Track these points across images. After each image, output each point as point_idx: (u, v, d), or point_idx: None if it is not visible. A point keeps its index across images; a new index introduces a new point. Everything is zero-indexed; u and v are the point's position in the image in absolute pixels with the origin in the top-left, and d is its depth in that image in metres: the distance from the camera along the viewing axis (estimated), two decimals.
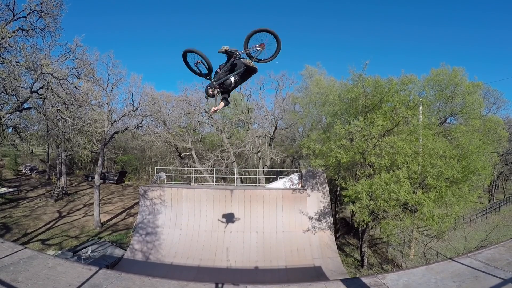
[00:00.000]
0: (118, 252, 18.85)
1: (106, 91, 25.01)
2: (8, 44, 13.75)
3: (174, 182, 22.63)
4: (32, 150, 58.52)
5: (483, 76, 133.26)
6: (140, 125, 28.68)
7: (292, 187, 19.77)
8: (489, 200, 39.77)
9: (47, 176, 41.83)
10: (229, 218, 18.45)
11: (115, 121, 27.63)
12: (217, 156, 29.06)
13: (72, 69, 17.19)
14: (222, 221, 18.25)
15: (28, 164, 47.74)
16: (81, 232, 23.19)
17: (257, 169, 27.98)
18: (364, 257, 19.68)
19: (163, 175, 22.09)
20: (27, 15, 14.21)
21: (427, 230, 24.60)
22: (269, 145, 32.26)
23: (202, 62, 4.88)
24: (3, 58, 13.84)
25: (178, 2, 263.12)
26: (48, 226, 23.75)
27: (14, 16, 13.98)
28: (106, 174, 43.72)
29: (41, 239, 21.12)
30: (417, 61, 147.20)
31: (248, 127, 30.51)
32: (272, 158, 31.18)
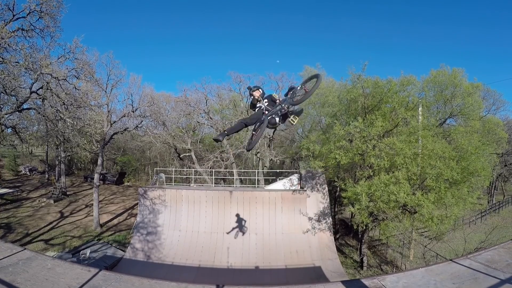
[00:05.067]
0: (117, 253, 18.83)
1: (105, 91, 24.98)
2: (8, 44, 13.73)
3: (173, 183, 22.61)
4: (32, 151, 58.49)
5: (483, 76, 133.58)
6: (139, 126, 28.66)
7: (291, 188, 19.75)
8: (488, 202, 39.81)
9: (46, 177, 41.78)
10: (229, 219, 18.43)
11: (114, 121, 27.59)
12: (216, 157, 29.03)
13: (72, 69, 17.15)
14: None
15: (28, 164, 47.71)
16: (81, 233, 23.12)
17: (256, 170, 27.93)
18: (363, 259, 19.68)
19: (163, 176, 22.06)
20: (27, 15, 14.17)
21: (426, 231, 24.63)
22: (269, 146, 32.23)
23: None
24: (2, 58, 13.81)
25: (178, 1, 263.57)
26: (49, 227, 23.68)
27: (13, 16, 13.95)
28: (105, 175, 43.63)
29: (42, 240, 21.06)
30: (416, 62, 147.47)
31: (248, 128, 30.43)
32: (271, 159, 31.15)
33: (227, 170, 29.55)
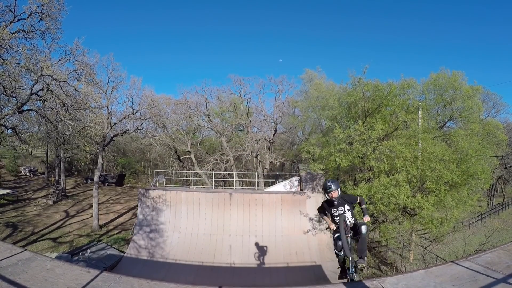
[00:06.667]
0: (117, 254, 18.78)
1: (106, 93, 25.02)
2: (9, 46, 13.74)
3: (173, 185, 22.59)
4: (31, 152, 58.42)
5: (483, 79, 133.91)
6: (139, 128, 28.66)
7: (291, 190, 19.73)
8: (488, 204, 39.76)
9: (46, 178, 41.75)
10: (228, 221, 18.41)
11: (114, 124, 27.60)
12: (216, 160, 29.03)
13: (72, 71, 17.14)
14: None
15: (28, 165, 47.67)
16: (80, 233, 23.09)
17: (256, 173, 27.93)
18: None
19: (163, 178, 22.06)
20: (28, 17, 14.19)
21: (426, 233, 24.56)
22: (269, 148, 32.22)
23: None
24: (3, 60, 13.81)
25: (179, 1, 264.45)
26: (48, 228, 23.65)
27: (14, 17, 13.96)
28: (105, 176, 43.61)
29: (41, 241, 21.03)
30: (416, 64, 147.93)
31: (248, 131, 30.51)
32: (271, 161, 31.13)
33: (227, 172, 29.55)
